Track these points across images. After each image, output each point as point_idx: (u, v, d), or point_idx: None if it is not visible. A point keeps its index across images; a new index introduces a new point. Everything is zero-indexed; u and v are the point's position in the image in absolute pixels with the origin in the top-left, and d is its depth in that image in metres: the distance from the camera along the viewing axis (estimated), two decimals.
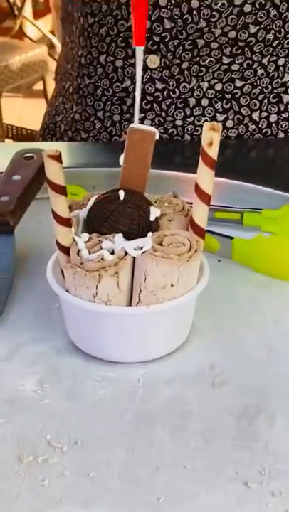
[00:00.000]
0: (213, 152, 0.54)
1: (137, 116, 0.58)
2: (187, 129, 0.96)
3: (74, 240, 0.57)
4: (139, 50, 0.57)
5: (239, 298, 0.67)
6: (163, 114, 0.95)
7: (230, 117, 0.96)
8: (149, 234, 0.57)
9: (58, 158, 0.53)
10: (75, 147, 0.98)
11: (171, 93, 0.94)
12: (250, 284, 0.69)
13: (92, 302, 0.56)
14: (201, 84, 0.93)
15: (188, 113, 0.95)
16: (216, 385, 0.57)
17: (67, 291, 0.58)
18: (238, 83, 0.94)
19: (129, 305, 0.57)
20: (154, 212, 0.58)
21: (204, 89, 0.94)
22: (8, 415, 0.55)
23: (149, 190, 0.60)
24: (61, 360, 0.60)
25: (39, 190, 0.74)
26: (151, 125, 0.95)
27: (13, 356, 0.60)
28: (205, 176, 0.56)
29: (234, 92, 0.95)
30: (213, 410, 0.55)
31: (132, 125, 0.57)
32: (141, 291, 0.56)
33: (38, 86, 3.17)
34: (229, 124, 0.96)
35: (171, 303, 0.57)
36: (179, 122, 0.95)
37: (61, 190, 0.55)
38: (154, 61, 0.92)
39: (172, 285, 0.56)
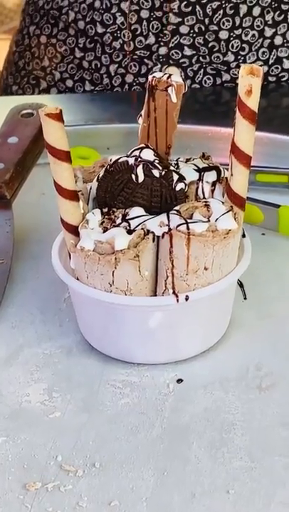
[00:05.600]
0: (253, 102, 0.53)
1: None
2: (232, 46, 0.94)
3: (83, 217, 0.56)
4: None
5: None
6: (206, 21, 0.93)
7: (280, 32, 0.94)
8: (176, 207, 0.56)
9: (58, 116, 0.52)
10: (84, 99, 0.97)
11: None
12: None
13: (108, 292, 0.55)
14: None
15: (237, 23, 0.93)
16: (264, 388, 0.56)
17: (77, 279, 0.57)
18: None
19: (154, 294, 0.57)
20: (181, 180, 0.57)
21: None
22: (10, 433, 0.54)
23: (172, 150, 0.59)
24: (73, 364, 0.59)
25: (41, 153, 0.73)
26: (189, 33, 0.94)
27: (15, 360, 0.60)
28: (243, 133, 0.54)
29: None
30: (260, 420, 0.54)
31: (153, 74, 0.56)
32: (168, 277, 0.55)
33: None
34: (277, 41, 0.94)
35: (206, 290, 0.56)
36: (224, 34, 0.94)
37: (64, 157, 0.54)
38: None
39: (206, 269, 0.55)
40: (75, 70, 1.00)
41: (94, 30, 0.97)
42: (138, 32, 0.95)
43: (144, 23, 0.94)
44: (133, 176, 0.56)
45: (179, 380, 0.57)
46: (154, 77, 0.56)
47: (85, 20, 0.98)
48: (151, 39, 0.95)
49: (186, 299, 0.55)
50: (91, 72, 0.99)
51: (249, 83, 0.52)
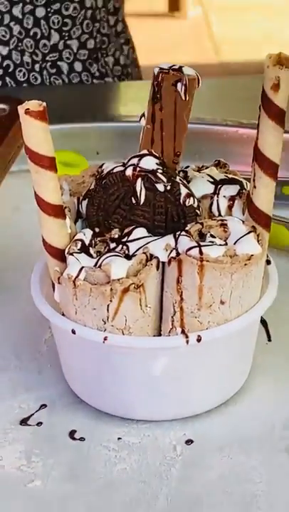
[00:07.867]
0: (282, 99, 0.53)
1: None
2: (53, 22, 0.98)
3: (71, 239, 0.56)
4: None
5: None
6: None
7: None
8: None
9: (42, 115, 0.52)
10: (67, 91, 0.98)
11: None
12: None
13: (101, 331, 0.55)
14: None
15: None
16: None
17: (63, 314, 0.57)
18: None
19: (159, 334, 0.57)
20: (190, 194, 0.57)
21: None
22: None
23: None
24: (56, 421, 0.59)
25: (15, 159, 0.74)
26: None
27: None
28: (269, 136, 0.54)
29: None
30: None
31: (160, 64, 0.56)
32: (175, 312, 0.56)
33: None
34: None
35: (222, 329, 0.56)
36: (40, 12, 0.98)
37: (48, 164, 0.54)
38: None
39: (222, 302, 0.55)
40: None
41: None
42: None
43: None
44: (132, 190, 0.56)
45: (189, 441, 0.57)
46: (160, 69, 0.56)
47: None
48: None
49: (198, 340, 0.55)
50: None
51: (276, 75, 0.52)
